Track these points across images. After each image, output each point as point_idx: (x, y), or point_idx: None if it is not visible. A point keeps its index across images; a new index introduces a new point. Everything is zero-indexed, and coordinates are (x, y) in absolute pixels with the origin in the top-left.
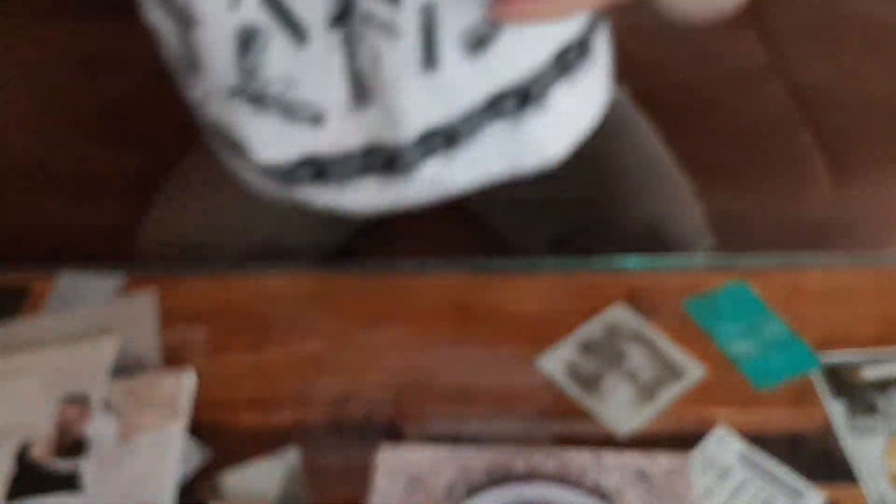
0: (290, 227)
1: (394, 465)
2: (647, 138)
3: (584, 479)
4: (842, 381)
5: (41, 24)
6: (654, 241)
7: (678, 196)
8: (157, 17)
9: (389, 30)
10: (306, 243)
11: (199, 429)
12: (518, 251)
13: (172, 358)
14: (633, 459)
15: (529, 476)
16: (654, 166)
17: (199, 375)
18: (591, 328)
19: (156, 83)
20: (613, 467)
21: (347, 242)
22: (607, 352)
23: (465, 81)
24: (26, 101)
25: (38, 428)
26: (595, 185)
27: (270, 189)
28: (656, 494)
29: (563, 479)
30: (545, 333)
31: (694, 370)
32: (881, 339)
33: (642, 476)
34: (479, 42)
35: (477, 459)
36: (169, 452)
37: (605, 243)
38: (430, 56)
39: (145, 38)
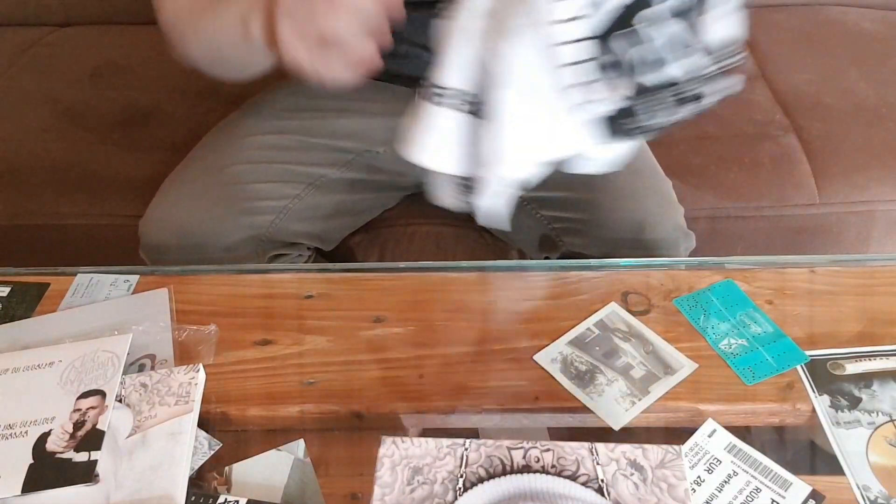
0: (285, 218)
1: (396, 458)
2: None
3: (579, 471)
4: (826, 377)
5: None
6: (638, 241)
7: (662, 198)
8: None
9: None
10: (300, 233)
11: (209, 422)
12: (516, 251)
13: (184, 353)
14: (627, 451)
15: (526, 468)
16: (639, 169)
17: (209, 371)
18: (586, 326)
19: (167, 90)
20: (608, 459)
21: (341, 236)
22: (602, 348)
23: None
24: (47, 110)
25: (56, 421)
26: (581, 187)
27: None
28: (649, 485)
29: (560, 471)
30: (542, 331)
31: (685, 366)
32: (863, 336)
33: (636, 467)
34: None
35: (476, 453)
36: (181, 445)
37: (590, 243)
38: None
39: (157, 47)
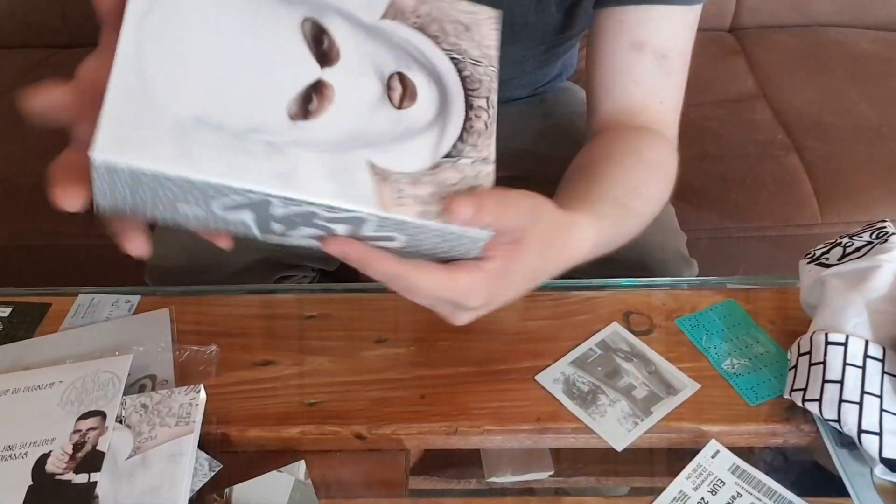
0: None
1: None
2: None
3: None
4: None
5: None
6: (639, 267)
7: (664, 224)
8: None
9: None
10: (305, 255)
11: (209, 443)
12: None
13: (185, 374)
14: None
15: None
16: None
17: (210, 391)
18: (588, 346)
19: None
20: None
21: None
22: (604, 369)
23: None
24: (49, 130)
25: (55, 442)
26: None
27: None
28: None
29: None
30: (544, 351)
31: (687, 386)
32: None
33: None
34: None
35: None
36: (181, 466)
37: (590, 269)
38: None
39: None
